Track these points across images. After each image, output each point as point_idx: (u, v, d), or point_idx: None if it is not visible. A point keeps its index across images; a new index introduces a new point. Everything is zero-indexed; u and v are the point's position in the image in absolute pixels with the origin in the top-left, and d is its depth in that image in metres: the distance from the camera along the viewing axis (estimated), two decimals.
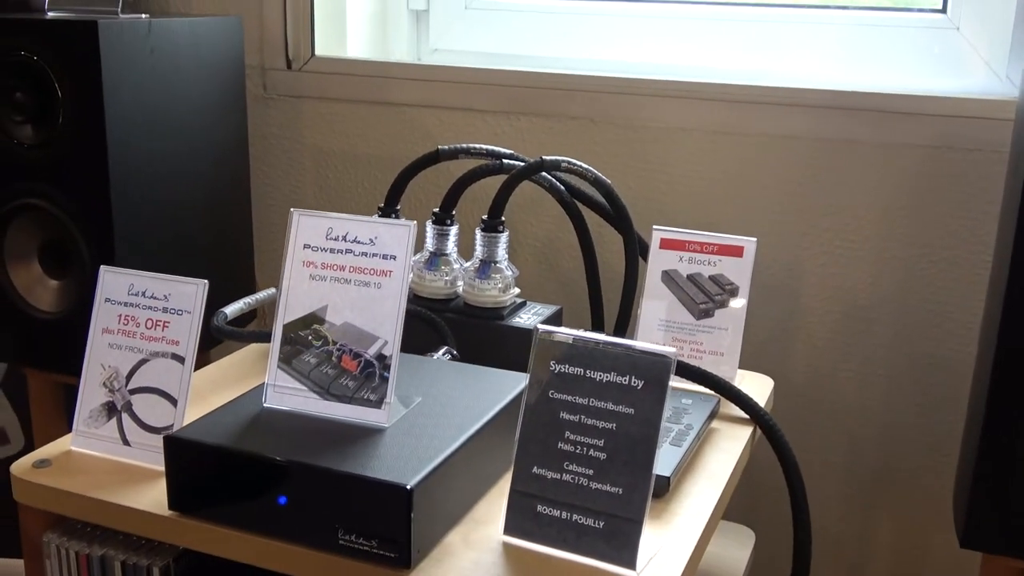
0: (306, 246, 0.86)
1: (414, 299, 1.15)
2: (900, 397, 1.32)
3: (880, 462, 1.34)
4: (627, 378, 0.76)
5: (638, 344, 0.77)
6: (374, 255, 0.84)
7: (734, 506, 1.39)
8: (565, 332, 0.79)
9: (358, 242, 0.85)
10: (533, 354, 0.79)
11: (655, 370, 0.76)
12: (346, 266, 0.85)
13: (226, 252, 1.44)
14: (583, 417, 0.77)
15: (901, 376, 1.31)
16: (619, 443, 0.76)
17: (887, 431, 1.33)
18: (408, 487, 0.73)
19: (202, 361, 1.35)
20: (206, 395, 1.02)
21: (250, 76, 1.55)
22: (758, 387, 1.11)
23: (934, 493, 1.32)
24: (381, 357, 0.83)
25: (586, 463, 0.77)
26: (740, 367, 1.14)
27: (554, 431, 0.78)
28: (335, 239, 0.86)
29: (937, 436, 1.31)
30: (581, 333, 0.79)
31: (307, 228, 0.86)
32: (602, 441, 0.76)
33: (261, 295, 1.11)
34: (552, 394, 0.78)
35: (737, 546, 1.16)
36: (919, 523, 1.34)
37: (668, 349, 0.76)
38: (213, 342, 1.30)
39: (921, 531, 1.34)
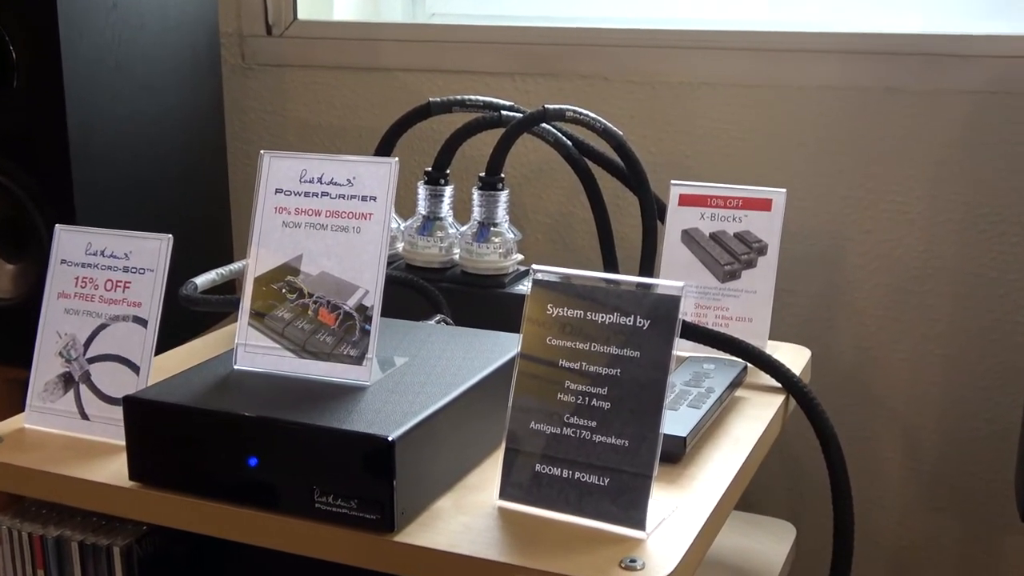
0: (278, 190, 0.89)
1: (406, 269, 1.18)
2: (960, 380, 1.33)
3: (939, 455, 1.35)
4: (631, 318, 0.78)
5: (642, 280, 0.79)
6: (352, 197, 0.87)
7: (774, 501, 1.40)
8: (562, 272, 0.81)
9: (335, 183, 0.88)
10: (528, 298, 0.81)
11: (662, 307, 0.78)
12: (322, 210, 0.88)
13: (201, 235, 1.47)
14: (584, 364, 0.79)
15: (961, 356, 1.32)
16: (624, 390, 0.78)
17: (947, 420, 1.34)
18: (390, 439, 0.75)
19: None
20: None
21: (226, 44, 1.60)
22: (793, 357, 1.13)
23: (1000, 491, 1.33)
24: (361, 308, 0.86)
25: (588, 414, 0.79)
26: (776, 342, 1.15)
27: (553, 381, 0.80)
28: (310, 181, 0.88)
29: (1005, 424, 1.32)
30: (580, 272, 0.81)
31: (279, 171, 0.89)
32: (606, 389, 0.78)
33: (236, 265, 1.14)
34: (550, 341, 0.80)
35: (775, 540, 1.17)
36: (986, 526, 1.34)
37: (675, 283, 0.78)
38: (196, 330, 1.33)
39: (989, 534, 1.34)
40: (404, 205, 1.29)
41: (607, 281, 0.80)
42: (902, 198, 1.32)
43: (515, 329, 0.82)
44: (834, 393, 1.36)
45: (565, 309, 0.80)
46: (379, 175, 0.87)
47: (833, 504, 1.06)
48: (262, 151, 0.90)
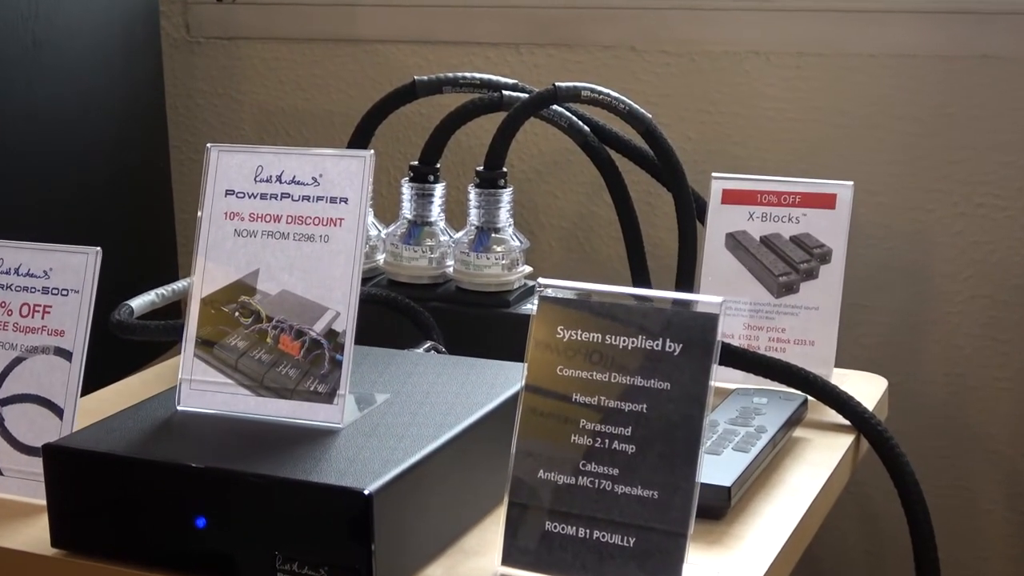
0: (228, 192, 0.91)
1: (388, 285, 1.20)
2: None
3: None
4: (659, 342, 0.80)
5: (671, 295, 0.81)
6: (319, 199, 0.89)
7: (849, 567, 1.41)
8: (574, 286, 0.83)
9: (297, 183, 0.90)
10: (533, 319, 0.83)
11: (696, 328, 0.79)
12: (282, 215, 0.90)
13: (138, 249, 1.50)
14: (603, 398, 0.81)
15: None
16: (652, 430, 0.79)
17: None
18: (366, 492, 0.77)
19: None
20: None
21: (166, 13, 1.63)
22: (865, 388, 1.14)
23: None
24: (332, 334, 0.88)
25: (609, 460, 0.80)
26: (844, 369, 1.17)
27: (565, 419, 0.81)
28: (267, 180, 0.91)
29: None
30: (595, 286, 0.83)
31: (229, 167, 0.91)
32: (629, 428, 0.80)
33: (179, 284, 1.16)
34: (561, 370, 0.82)
35: None
36: None
37: (712, 298, 0.79)
38: (132, 364, 1.35)
39: None
40: (385, 207, 1.32)
41: (628, 297, 0.82)
42: (999, 191, 1.34)
43: (520, 356, 0.84)
44: (918, 432, 1.37)
45: (579, 331, 0.82)
46: (351, 171, 0.89)
47: (916, 570, 1.07)
48: (209, 144, 0.92)
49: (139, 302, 1.12)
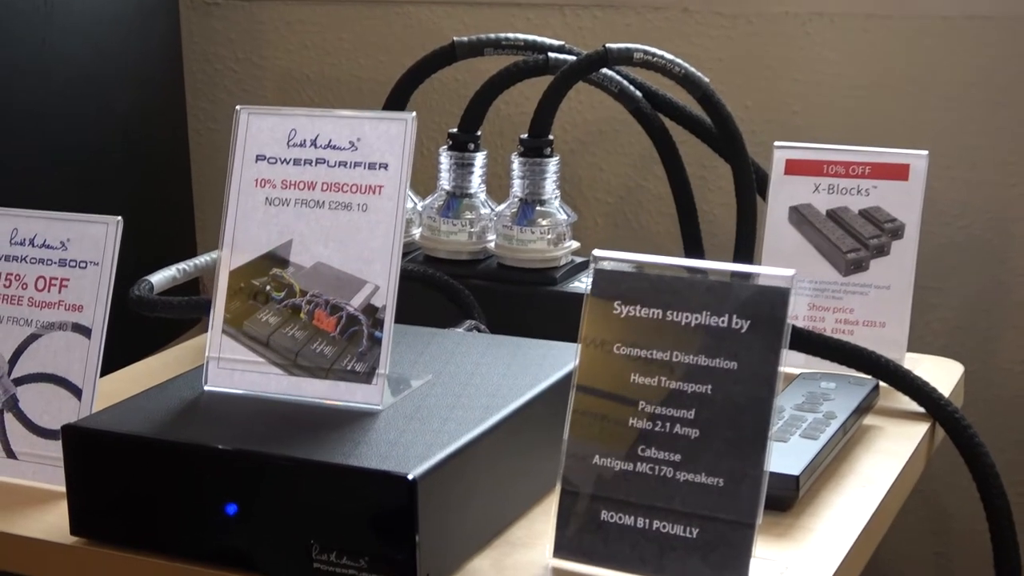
0: (260, 157, 0.91)
1: (425, 261, 1.20)
2: None
3: None
4: (725, 318, 0.79)
5: (737, 267, 0.80)
6: (357, 165, 0.89)
7: (916, 568, 1.40)
8: (634, 258, 0.83)
9: (333, 147, 0.90)
10: (588, 295, 0.82)
11: (766, 303, 0.79)
12: (317, 183, 0.90)
13: (156, 222, 1.50)
14: (664, 379, 0.80)
15: None
16: (717, 412, 0.79)
17: None
18: (410, 477, 0.77)
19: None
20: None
21: None
22: (939, 374, 1.13)
23: None
24: (370, 309, 0.87)
25: (670, 445, 0.80)
26: (917, 354, 1.17)
27: (623, 402, 0.81)
28: (300, 145, 0.91)
29: None
30: (657, 258, 0.83)
31: (260, 131, 0.91)
32: (693, 411, 0.79)
33: (201, 259, 1.16)
34: (618, 349, 0.82)
35: None
36: None
37: (783, 271, 0.79)
38: (154, 344, 1.36)
39: None
40: (421, 179, 1.31)
41: (692, 270, 0.81)
42: None
43: (568, 337, 0.84)
44: (996, 422, 1.36)
45: (638, 308, 0.82)
46: (391, 135, 0.89)
47: (996, 572, 1.07)
48: (238, 107, 0.92)
49: (159, 277, 1.13)
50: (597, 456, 0.81)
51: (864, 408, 1.03)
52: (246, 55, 1.63)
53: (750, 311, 0.79)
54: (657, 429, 0.80)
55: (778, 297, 0.79)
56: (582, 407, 0.82)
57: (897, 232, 1.12)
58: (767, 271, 0.80)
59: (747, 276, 0.80)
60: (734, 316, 0.80)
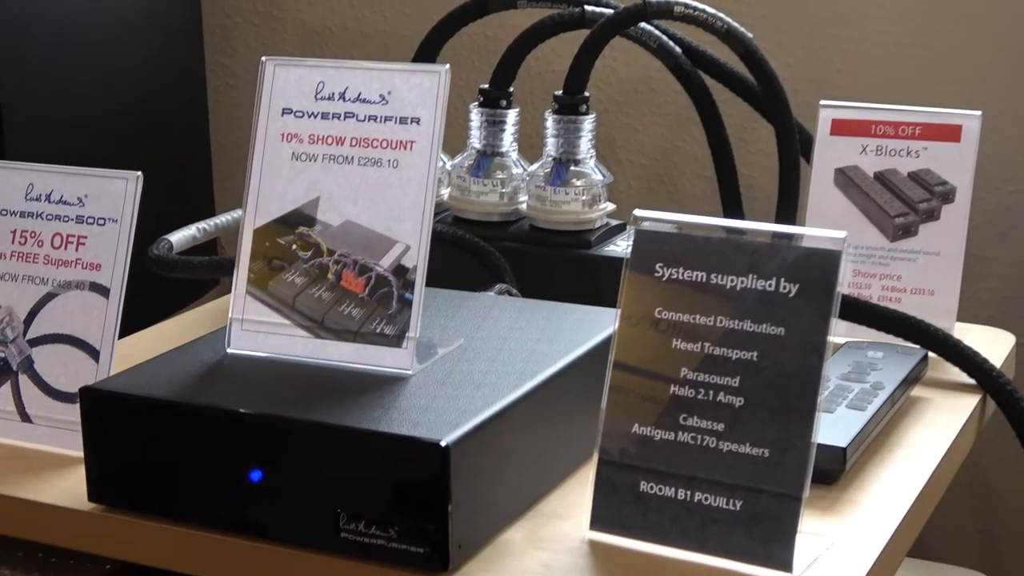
0: (286, 111, 0.91)
1: (455, 222, 1.19)
2: None
3: None
4: (772, 282, 0.79)
5: (786, 229, 0.80)
6: (387, 119, 0.89)
7: (960, 547, 1.40)
8: (677, 218, 0.82)
9: (363, 101, 0.89)
10: (629, 256, 0.82)
11: (815, 266, 0.78)
12: (346, 137, 0.89)
13: (174, 181, 1.50)
14: (707, 345, 0.80)
15: None
16: (763, 380, 0.78)
17: None
18: (443, 444, 0.76)
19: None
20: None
21: None
22: (990, 344, 1.13)
23: None
24: (400, 270, 0.87)
25: (713, 413, 0.79)
26: (967, 324, 1.16)
27: (664, 368, 0.81)
28: (328, 98, 0.90)
29: None
30: (700, 219, 0.82)
31: (287, 83, 0.91)
32: (737, 379, 0.79)
33: (222, 219, 1.16)
34: (659, 313, 0.81)
35: None
36: None
37: (833, 232, 0.78)
38: (174, 305, 1.36)
39: None
40: (451, 137, 1.30)
41: (738, 231, 0.81)
42: None
43: (603, 302, 0.83)
44: None
45: (680, 270, 0.81)
46: (424, 88, 0.88)
47: None
48: (264, 58, 0.92)
49: (179, 236, 1.12)
50: (636, 425, 0.81)
51: (912, 379, 1.02)
52: (266, 8, 1.63)
53: (799, 275, 0.79)
54: (700, 397, 0.80)
55: (829, 260, 0.78)
56: (621, 373, 0.81)
57: (948, 196, 1.11)
58: (818, 232, 0.79)
59: (796, 238, 0.80)
60: (782, 280, 0.79)
